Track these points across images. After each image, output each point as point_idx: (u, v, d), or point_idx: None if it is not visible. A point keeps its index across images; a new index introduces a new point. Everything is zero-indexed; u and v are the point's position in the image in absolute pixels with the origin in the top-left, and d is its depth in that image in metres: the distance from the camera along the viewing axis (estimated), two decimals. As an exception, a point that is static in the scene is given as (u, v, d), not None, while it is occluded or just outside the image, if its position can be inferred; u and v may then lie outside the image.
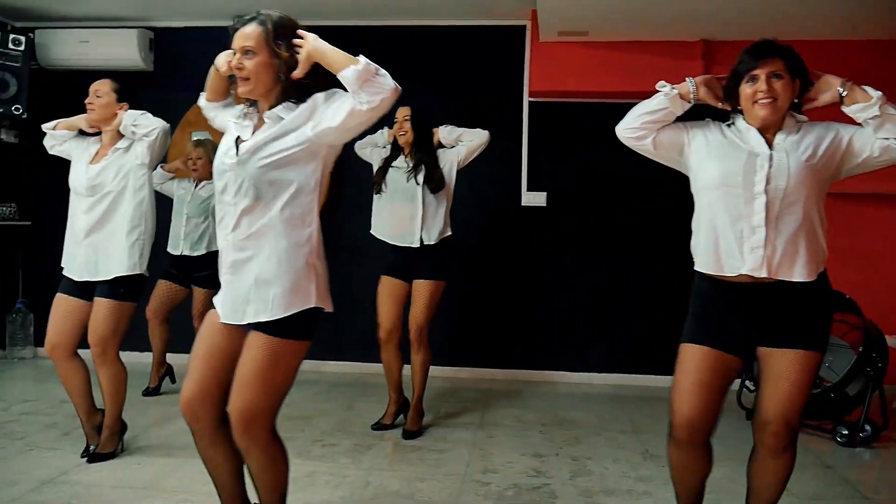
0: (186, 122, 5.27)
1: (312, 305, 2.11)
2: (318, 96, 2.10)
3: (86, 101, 3.29)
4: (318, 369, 5.19)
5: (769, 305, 2.19)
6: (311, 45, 2.05)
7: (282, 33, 2.08)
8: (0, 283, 5.39)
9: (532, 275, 5.14)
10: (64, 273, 3.33)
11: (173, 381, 4.63)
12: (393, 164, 3.83)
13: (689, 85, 2.28)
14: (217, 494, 2.35)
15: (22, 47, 4.91)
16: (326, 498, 2.96)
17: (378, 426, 3.90)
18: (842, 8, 4.08)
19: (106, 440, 3.34)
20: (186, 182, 4.56)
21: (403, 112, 3.77)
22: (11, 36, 4.89)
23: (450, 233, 3.82)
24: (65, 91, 5.32)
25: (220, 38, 5.35)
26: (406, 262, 3.79)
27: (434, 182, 3.70)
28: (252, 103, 2.19)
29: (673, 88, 2.27)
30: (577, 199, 5.06)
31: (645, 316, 5.09)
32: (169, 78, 5.27)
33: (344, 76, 1.99)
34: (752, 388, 3.48)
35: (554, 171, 5.08)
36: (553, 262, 5.12)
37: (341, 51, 2.04)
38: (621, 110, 2.38)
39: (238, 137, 2.15)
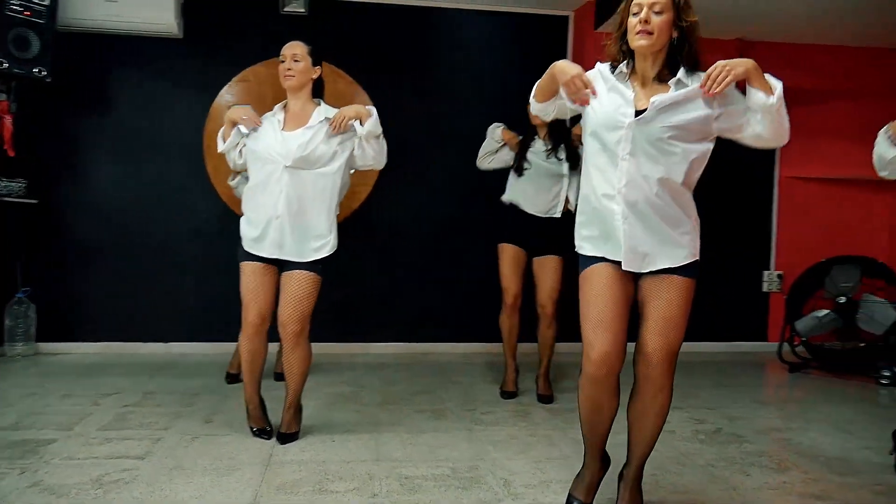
0: (225, 96, 4.95)
1: (698, 258, 2.28)
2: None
3: (283, 67, 3.07)
4: (366, 351, 5.13)
5: None
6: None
7: (686, 5, 2.21)
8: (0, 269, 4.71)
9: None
10: (249, 249, 3.10)
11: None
12: (531, 148, 3.94)
13: None
14: (584, 439, 2.45)
15: (47, 1, 4.35)
16: (559, 453, 3.07)
17: (507, 394, 4.01)
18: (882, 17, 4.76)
19: (291, 420, 3.19)
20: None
21: None
22: (35, -12, 4.31)
23: None
24: (87, 56, 4.82)
25: (255, 6, 5.12)
26: (535, 234, 3.94)
27: (576, 157, 3.87)
28: (629, 62, 2.28)
29: None
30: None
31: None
32: (201, 47, 4.91)
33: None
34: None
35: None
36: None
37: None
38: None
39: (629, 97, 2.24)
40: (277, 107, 3.18)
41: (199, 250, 4.97)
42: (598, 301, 2.27)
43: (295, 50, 3.09)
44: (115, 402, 3.69)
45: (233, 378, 4.17)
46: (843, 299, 4.69)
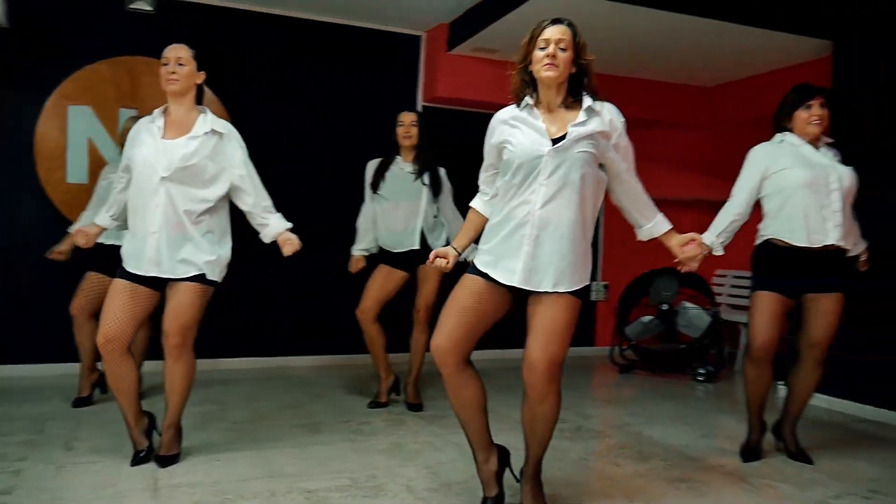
0: (61, 95, 4.54)
1: (589, 283, 2.51)
2: (622, 127, 2.47)
3: (166, 71, 2.92)
4: (216, 367, 4.93)
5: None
6: None
7: (584, 45, 2.44)
8: None
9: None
10: (126, 266, 2.93)
11: (105, 391, 4.04)
12: (393, 167, 4.03)
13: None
14: (465, 434, 2.59)
15: None
16: (447, 458, 3.19)
17: (377, 405, 4.07)
18: (670, 58, 5.44)
19: (171, 441, 3.03)
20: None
21: (410, 117, 4.01)
22: None
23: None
24: None
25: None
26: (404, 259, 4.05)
27: (437, 186, 4.01)
28: (534, 95, 2.47)
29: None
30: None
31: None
32: (33, 39, 4.48)
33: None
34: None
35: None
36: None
37: None
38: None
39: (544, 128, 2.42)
40: (157, 112, 3.00)
41: (27, 262, 4.49)
42: (454, 302, 2.45)
43: (179, 53, 2.95)
44: (-53, 434, 3.27)
45: (81, 402, 3.85)
46: (665, 306, 5.28)
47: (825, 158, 3.23)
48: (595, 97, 2.45)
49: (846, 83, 4.56)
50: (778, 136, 3.33)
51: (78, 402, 3.85)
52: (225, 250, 3.04)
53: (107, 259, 3.86)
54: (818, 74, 4.72)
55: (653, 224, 2.61)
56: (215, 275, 2.97)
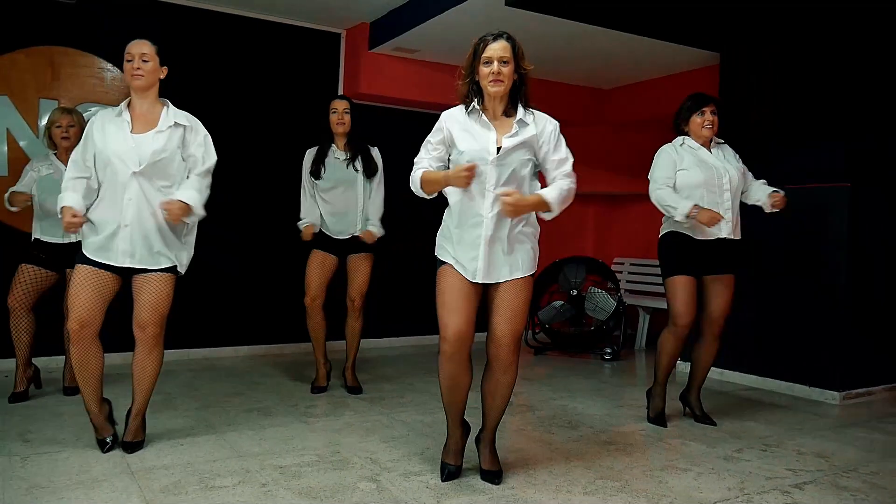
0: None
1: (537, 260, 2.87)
2: (553, 130, 2.76)
3: (130, 67, 2.98)
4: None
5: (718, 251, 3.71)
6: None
7: (522, 55, 2.75)
8: None
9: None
10: (92, 256, 2.97)
11: (39, 385, 4.02)
12: (329, 155, 4.21)
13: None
14: (446, 413, 2.87)
15: None
16: (399, 433, 3.45)
17: (319, 389, 4.25)
18: (581, 63, 5.90)
19: (138, 428, 3.13)
20: (51, 158, 3.95)
21: (343, 104, 4.22)
22: None
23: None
24: None
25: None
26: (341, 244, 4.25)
27: (368, 168, 4.22)
28: (481, 102, 2.76)
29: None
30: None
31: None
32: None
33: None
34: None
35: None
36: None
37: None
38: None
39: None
40: (122, 106, 3.06)
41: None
42: (450, 291, 2.72)
43: (143, 49, 3.01)
44: None
45: (17, 397, 3.83)
46: (574, 292, 5.73)
47: (718, 160, 3.70)
48: (527, 105, 2.76)
49: (731, 90, 5.13)
50: (679, 139, 3.78)
51: (14, 397, 3.82)
52: (191, 243, 3.15)
53: (45, 252, 3.87)
54: (705, 81, 5.28)
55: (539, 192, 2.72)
56: (183, 267, 3.09)
